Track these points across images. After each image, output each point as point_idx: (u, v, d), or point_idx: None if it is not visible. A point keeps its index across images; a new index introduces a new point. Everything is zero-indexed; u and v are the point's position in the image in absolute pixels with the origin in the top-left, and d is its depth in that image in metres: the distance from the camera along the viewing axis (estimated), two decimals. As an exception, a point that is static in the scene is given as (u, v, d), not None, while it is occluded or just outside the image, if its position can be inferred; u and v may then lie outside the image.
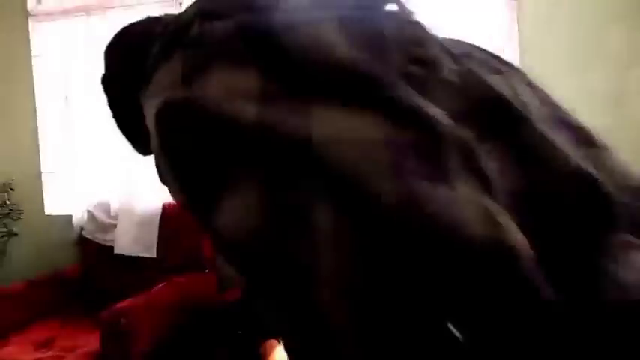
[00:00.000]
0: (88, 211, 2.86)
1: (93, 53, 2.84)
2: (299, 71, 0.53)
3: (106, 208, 2.84)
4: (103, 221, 2.82)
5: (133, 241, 2.70)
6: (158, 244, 2.67)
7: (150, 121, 0.62)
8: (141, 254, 2.67)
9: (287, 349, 0.56)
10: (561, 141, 0.54)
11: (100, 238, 2.81)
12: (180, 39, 0.63)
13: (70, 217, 2.92)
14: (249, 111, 0.51)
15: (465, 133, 0.49)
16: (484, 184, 0.46)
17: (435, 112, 0.49)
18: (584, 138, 0.59)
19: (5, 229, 2.88)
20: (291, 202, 0.48)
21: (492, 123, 0.53)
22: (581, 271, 0.46)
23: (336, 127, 0.49)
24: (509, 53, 2.37)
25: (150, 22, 0.85)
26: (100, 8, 2.85)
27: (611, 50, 2.35)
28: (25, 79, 3.05)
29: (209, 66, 0.57)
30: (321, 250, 0.46)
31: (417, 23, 0.59)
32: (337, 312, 0.45)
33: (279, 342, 1.70)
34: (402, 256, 0.44)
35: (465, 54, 0.61)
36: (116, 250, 2.73)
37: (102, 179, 2.89)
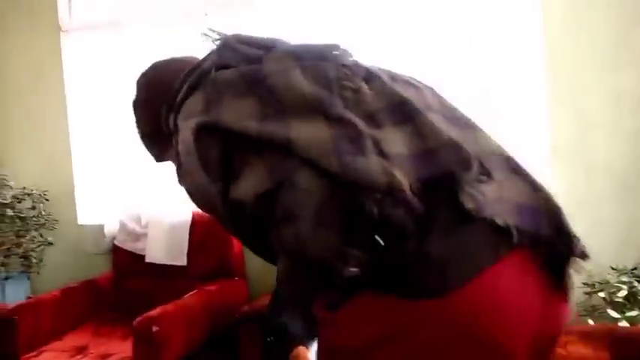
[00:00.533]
0: (120, 221, 2.91)
1: (122, 66, 2.90)
2: (280, 100, 0.89)
3: (137, 218, 2.88)
4: (134, 230, 2.86)
5: (163, 249, 2.74)
6: (188, 252, 2.71)
7: (185, 136, 0.95)
8: (171, 262, 2.71)
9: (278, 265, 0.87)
10: (445, 126, 0.89)
11: (131, 246, 2.86)
12: (201, 81, 0.98)
13: (102, 226, 2.98)
14: (252, 126, 0.87)
15: (373, 131, 0.85)
16: (382, 155, 0.82)
17: (357, 120, 0.86)
18: (464, 124, 0.95)
19: (41, 239, 2.94)
20: (283, 173, 0.82)
21: (400, 115, 0.88)
22: (448, 192, 0.81)
23: (304, 131, 0.85)
24: (536, 55, 2.35)
25: (177, 64, 1.15)
26: (128, 22, 2.91)
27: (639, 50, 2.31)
28: (58, 92, 3.13)
29: (221, 98, 0.92)
30: (302, 196, 0.80)
31: (348, 66, 0.94)
32: (314, 239, 0.79)
33: (308, 349, 1.70)
34: (345, 194, 0.79)
35: (391, 76, 0.97)
36: (147, 259, 2.77)
37: (133, 189, 2.94)
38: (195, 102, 0.96)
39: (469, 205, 0.79)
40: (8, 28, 3.24)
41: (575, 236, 0.86)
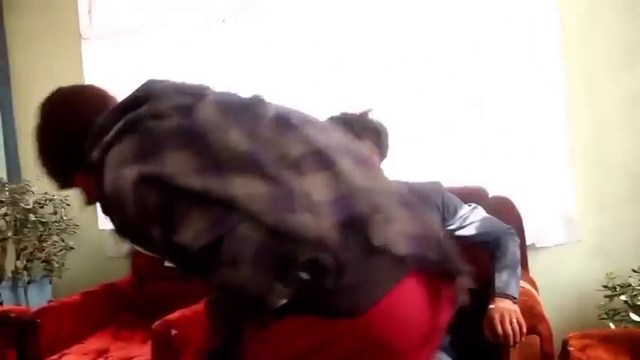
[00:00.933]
0: (140, 225, 2.94)
1: (141, 73, 2.94)
2: (220, 157, 0.97)
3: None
4: (154, 235, 2.89)
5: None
6: (207, 256, 2.72)
7: (120, 181, 0.99)
8: (190, 266, 2.72)
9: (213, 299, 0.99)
10: (354, 170, 1.03)
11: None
12: (134, 127, 1.03)
13: (122, 231, 3.01)
14: (195, 181, 0.95)
15: (300, 182, 0.97)
16: (311, 209, 0.94)
17: (288, 177, 0.96)
18: (365, 162, 1.09)
19: (63, 243, 2.98)
20: (227, 226, 0.92)
21: (319, 162, 1.00)
22: (359, 230, 0.95)
23: (244, 188, 0.94)
24: (553, 55, 2.33)
25: (89, 97, 1.22)
26: (148, 30, 2.95)
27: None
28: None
29: (160, 150, 0.98)
30: (243, 245, 0.90)
31: (274, 118, 1.06)
32: (252, 281, 0.89)
33: None
34: (280, 244, 0.90)
35: (306, 120, 1.10)
36: (166, 263, 2.79)
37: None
38: (127, 148, 1.02)
39: (377, 242, 0.94)
40: (31, 37, 3.31)
41: (454, 257, 1.04)
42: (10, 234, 2.82)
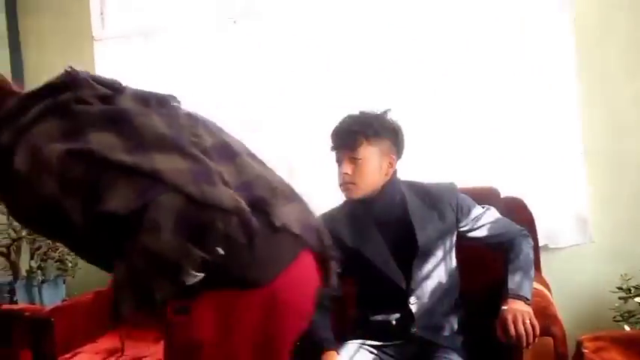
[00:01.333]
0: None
1: (153, 74, 2.95)
2: (144, 138, 1.10)
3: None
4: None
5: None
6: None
7: (45, 157, 1.06)
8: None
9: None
10: (253, 163, 1.22)
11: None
12: (57, 110, 1.13)
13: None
14: (124, 157, 1.06)
15: (216, 165, 1.11)
16: (227, 185, 1.09)
17: (203, 157, 1.11)
18: (262, 162, 1.27)
19: (76, 243, 2.99)
20: (152, 194, 1.03)
21: (225, 153, 1.19)
22: (262, 212, 1.13)
23: (167, 164, 1.06)
24: (567, 54, 2.31)
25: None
26: (159, 31, 2.96)
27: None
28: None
29: (85, 131, 1.10)
30: (166, 212, 1.01)
31: (188, 113, 1.24)
32: (173, 245, 1.00)
33: (338, 353, 1.71)
34: (199, 212, 1.03)
35: (206, 122, 1.26)
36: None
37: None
38: (52, 127, 1.12)
39: (278, 222, 1.12)
40: (43, 39, 3.34)
41: (330, 244, 1.25)
42: (24, 233, 2.84)
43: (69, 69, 1.23)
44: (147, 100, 1.22)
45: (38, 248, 2.89)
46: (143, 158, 1.07)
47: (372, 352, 1.78)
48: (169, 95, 1.26)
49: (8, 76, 3.23)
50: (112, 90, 1.21)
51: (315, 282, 1.22)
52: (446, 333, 1.80)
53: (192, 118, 1.23)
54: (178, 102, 1.27)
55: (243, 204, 1.07)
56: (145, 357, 2.33)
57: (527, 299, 1.64)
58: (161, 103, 1.23)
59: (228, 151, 1.20)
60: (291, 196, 1.23)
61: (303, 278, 1.18)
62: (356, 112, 1.83)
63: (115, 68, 3.11)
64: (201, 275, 1.02)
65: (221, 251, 1.02)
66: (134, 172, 1.05)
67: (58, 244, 2.92)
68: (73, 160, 1.06)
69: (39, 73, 3.33)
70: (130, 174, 1.05)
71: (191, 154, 1.11)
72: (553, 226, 2.35)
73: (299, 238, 1.17)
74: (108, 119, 1.12)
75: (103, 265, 1.19)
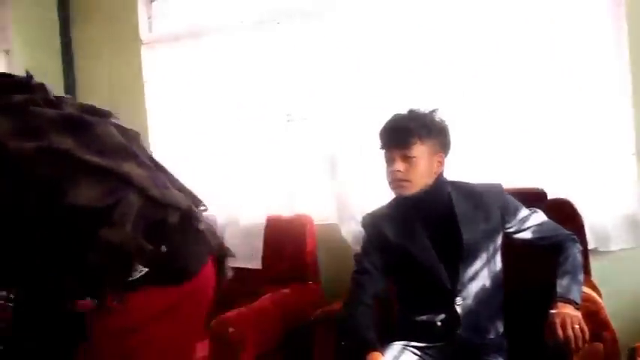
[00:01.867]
0: (197, 225, 3.01)
1: (198, 76, 3.01)
2: (105, 145, 1.19)
3: (212, 221, 2.97)
4: (211, 234, 2.95)
5: (239, 253, 2.79)
6: (262, 255, 2.77)
7: (11, 152, 1.10)
8: (247, 266, 2.77)
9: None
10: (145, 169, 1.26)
11: (208, 249, 2.95)
12: (10, 110, 1.16)
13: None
14: (96, 159, 1.14)
15: (142, 172, 1.21)
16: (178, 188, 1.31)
17: (153, 167, 1.28)
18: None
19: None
20: (120, 194, 1.13)
21: (154, 166, 1.30)
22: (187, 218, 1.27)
23: (130, 168, 1.18)
24: (619, 51, 2.25)
25: None
26: (204, 33, 3.02)
27: None
28: (138, 103, 3.28)
29: (46, 132, 1.14)
30: (130, 209, 1.12)
31: (124, 131, 1.29)
32: (130, 238, 1.11)
33: (382, 354, 1.71)
34: (155, 211, 1.19)
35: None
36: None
37: (209, 194, 3.03)
38: (6, 125, 1.14)
39: (201, 227, 1.29)
40: (93, 44, 3.44)
41: (225, 247, 1.42)
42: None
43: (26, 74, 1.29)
44: (96, 111, 1.31)
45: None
46: (111, 162, 1.17)
47: (416, 354, 1.78)
48: (108, 110, 1.35)
49: (61, 82, 3.41)
50: (56, 97, 1.27)
51: (213, 278, 1.38)
52: (491, 335, 1.77)
53: (124, 132, 1.31)
54: (117, 118, 1.36)
55: (192, 206, 1.28)
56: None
57: (577, 303, 1.60)
58: (106, 116, 1.33)
59: (158, 164, 1.34)
60: (201, 204, 1.39)
61: (210, 273, 1.35)
62: (404, 110, 1.83)
63: (162, 71, 3.19)
64: (145, 270, 1.15)
65: (164, 248, 1.17)
66: (107, 173, 1.15)
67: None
68: (42, 156, 1.12)
69: (90, 78, 3.44)
70: (102, 174, 1.15)
71: (144, 162, 1.25)
72: (603, 228, 2.28)
73: (210, 243, 1.35)
74: (66, 123, 1.19)
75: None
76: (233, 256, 1.43)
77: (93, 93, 3.40)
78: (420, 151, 1.76)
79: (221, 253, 1.40)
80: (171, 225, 1.19)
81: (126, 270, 1.14)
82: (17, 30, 3.26)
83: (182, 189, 1.33)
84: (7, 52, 3.23)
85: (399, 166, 1.76)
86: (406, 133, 1.76)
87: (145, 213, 1.15)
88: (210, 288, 1.35)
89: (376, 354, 1.68)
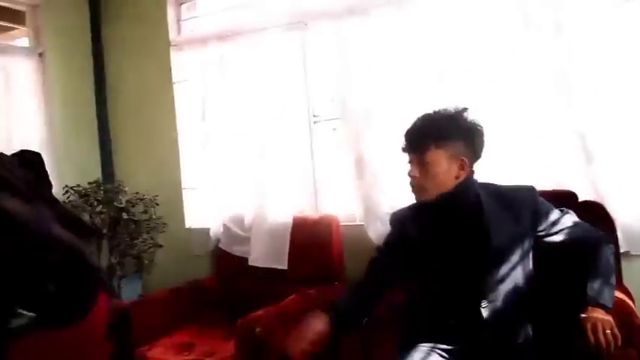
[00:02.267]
0: (224, 225, 3.04)
1: (227, 77, 3.03)
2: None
3: (239, 222, 2.99)
4: (238, 234, 2.98)
5: (265, 253, 2.82)
6: (289, 256, 2.77)
7: None
8: (273, 266, 2.78)
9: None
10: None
11: (234, 250, 2.97)
12: None
13: (207, 230, 3.13)
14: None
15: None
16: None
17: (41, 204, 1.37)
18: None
19: (152, 241, 3.12)
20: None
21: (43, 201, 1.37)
22: None
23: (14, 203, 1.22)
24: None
25: None
26: (232, 35, 3.04)
27: None
28: (168, 105, 3.33)
29: None
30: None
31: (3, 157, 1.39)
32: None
33: (348, 335, 1.69)
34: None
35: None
36: (250, 262, 2.87)
37: (236, 194, 3.06)
38: None
39: (95, 264, 1.35)
40: (123, 45, 3.50)
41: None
42: (105, 231, 2.98)
43: None
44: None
45: (117, 245, 3.03)
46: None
47: (443, 356, 1.76)
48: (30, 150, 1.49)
49: (92, 83, 3.49)
50: None
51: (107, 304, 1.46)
52: (520, 340, 1.75)
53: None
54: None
55: (79, 244, 1.31)
56: (215, 353, 2.39)
57: (608, 308, 1.57)
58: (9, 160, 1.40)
59: (50, 198, 1.43)
60: (94, 234, 1.51)
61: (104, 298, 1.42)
62: (430, 112, 1.81)
63: (190, 73, 3.22)
64: (31, 314, 1.17)
65: (52, 287, 1.19)
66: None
67: (134, 241, 3.06)
68: None
69: (120, 80, 3.50)
70: None
71: (29, 198, 1.29)
72: (635, 231, 2.23)
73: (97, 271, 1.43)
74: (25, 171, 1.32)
75: None
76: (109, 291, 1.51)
77: (123, 94, 3.48)
78: (435, 156, 1.72)
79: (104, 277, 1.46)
80: (55, 264, 1.20)
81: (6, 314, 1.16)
82: (49, 33, 3.34)
83: (69, 220, 1.38)
84: (40, 54, 3.30)
85: (415, 171, 1.75)
86: (420, 138, 1.75)
87: (23, 253, 1.15)
88: (100, 319, 1.41)
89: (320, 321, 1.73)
